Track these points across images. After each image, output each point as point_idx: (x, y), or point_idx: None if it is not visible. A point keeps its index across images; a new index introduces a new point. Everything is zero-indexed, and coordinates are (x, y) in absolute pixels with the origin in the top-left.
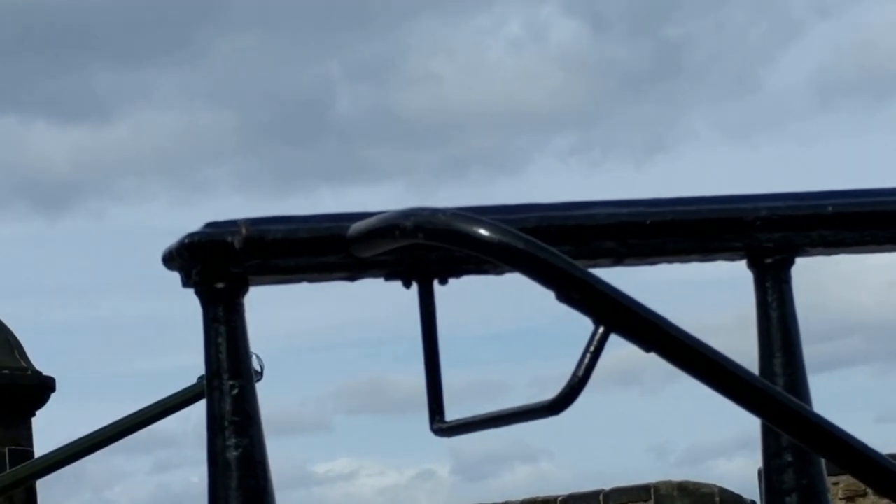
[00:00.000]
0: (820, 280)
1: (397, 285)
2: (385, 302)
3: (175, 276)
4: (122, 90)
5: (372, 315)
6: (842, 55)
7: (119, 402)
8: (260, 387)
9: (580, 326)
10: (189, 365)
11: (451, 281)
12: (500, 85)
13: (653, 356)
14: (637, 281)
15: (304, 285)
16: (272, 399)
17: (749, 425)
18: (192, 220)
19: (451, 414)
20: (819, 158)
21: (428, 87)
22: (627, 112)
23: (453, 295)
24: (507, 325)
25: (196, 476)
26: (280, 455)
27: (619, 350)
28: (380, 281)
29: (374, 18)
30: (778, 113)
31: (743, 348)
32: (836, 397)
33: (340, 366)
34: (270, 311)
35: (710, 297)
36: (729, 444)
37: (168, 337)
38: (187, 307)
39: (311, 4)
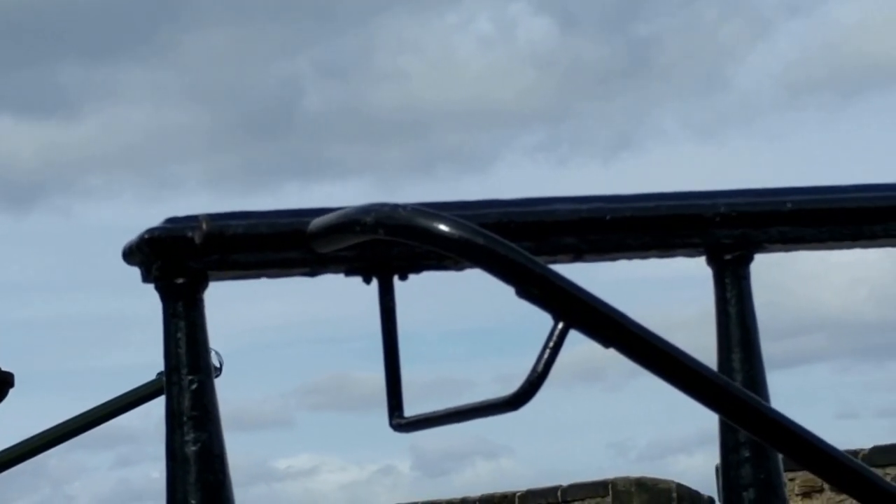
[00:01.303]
0: (783, 278)
1: (359, 281)
2: (349, 298)
3: (136, 272)
4: (91, 86)
5: (336, 312)
6: (810, 53)
7: (79, 399)
8: (223, 383)
9: (544, 322)
10: (151, 361)
11: (415, 278)
12: (469, 82)
13: (614, 352)
14: (603, 279)
15: (269, 282)
16: (234, 395)
17: (710, 421)
18: (158, 217)
19: (415, 411)
20: (786, 155)
21: (396, 83)
22: (596, 109)
23: (418, 292)
24: (471, 322)
25: (157, 472)
26: (241, 451)
27: (583, 346)
28: (343, 277)
29: (343, 15)
30: (746, 110)
31: (706, 344)
32: (797, 393)
33: (303, 362)
34: (235, 307)
35: (675, 294)
36: (689, 441)
37: (129, 333)
38: (149, 303)
39: (279, 1)
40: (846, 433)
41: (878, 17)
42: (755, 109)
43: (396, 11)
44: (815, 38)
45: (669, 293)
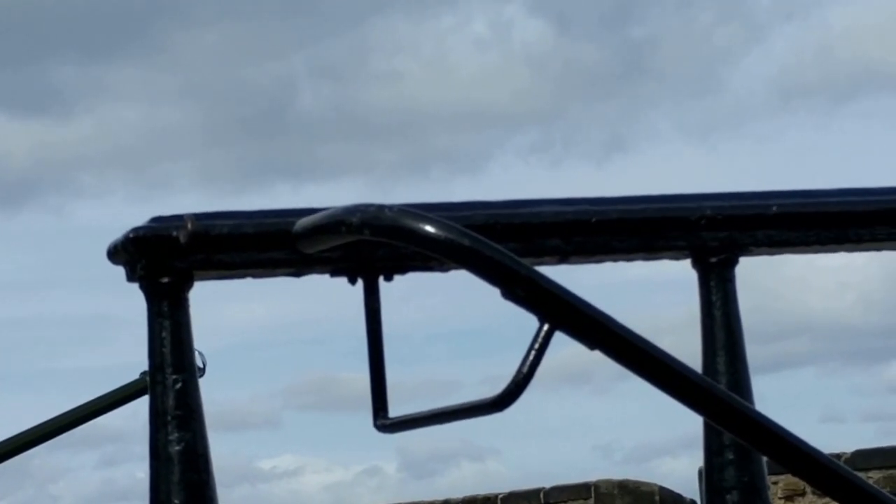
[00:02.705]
0: (770, 281)
1: (345, 282)
2: (337, 298)
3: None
4: (84, 85)
5: (325, 312)
6: (803, 57)
7: (63, 398)
8: (210, 383)
9: (531, 324)
10: (135, 361)
11: (404, 280)
12: (463, 83)
13: (601, 355)
14: (590, 281)
15: (257, 282)
16: (222, 396)
17: (696, 424)
18: (149, 216)
19: (403, 411)
20: (777, 158)
21: (390, 84)
22: (590, 111)
23: (406, 293)
24: (457, 323)
25: (142, 472)
26: (227, 451)
27: (570, 348)
28: (329, 278)
29: (338, 15)
30: (738, 113)
31: (694, 347)
32: (782, 397)
33: (291, 363)
34: (223, 307)
35: (663, 297)
36: (675, 443)
37: (118, 332)
38: (136, 302)
39: (273, 0)
40: (831, 437)
41: (871, 22)
42: (748, 112)
43: (391, 12)
44: (808, 43)
45: (658, 295)
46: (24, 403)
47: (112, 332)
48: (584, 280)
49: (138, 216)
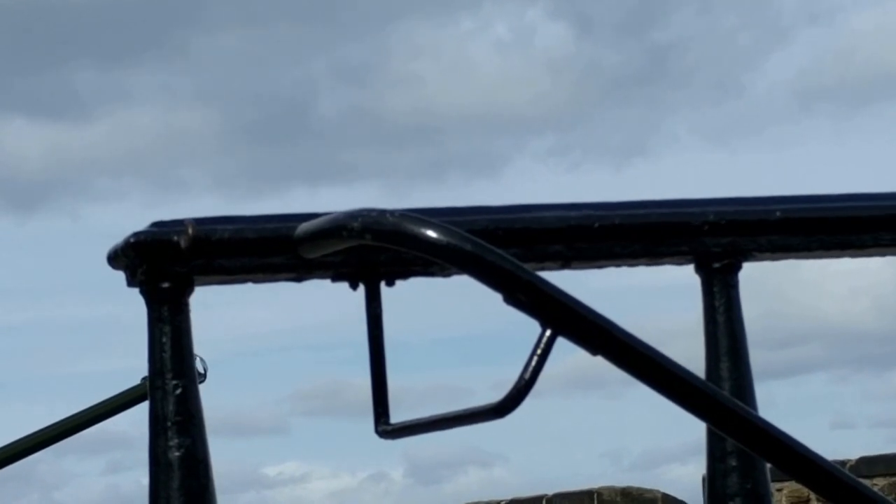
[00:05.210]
0: (782, 286)
1: (347, 287)
2: (345, 303)
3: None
4: (103, 89)
5: (332, 317)
6: (823, 61)
7: (68, 403)
8: (218, 389)
9: (535, 330)
10: (136, 367)
11: (411, 284)
12: (483, 87)
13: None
14: (596, 287)
15: (264, 288)
16: (230, 402)
17: (703, 430)
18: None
19: (413, 417)
20: (795, 163)
21: (410, 88)
22: (610, 115)
23: (416, 298)
24: (459, 329)
25: (147, 478)
26: (234, 457)
27: (581, 354)
28: (330, 283)
29: (359, 19)
30: (758, 118)
31: (698, 353)
32: (793, 403)
33: (299, 368)
34: (236, 312)
35: (668, 303)
36: (684, 449)
37: (127, 337)
38: (137, 308)
39: (293, 4)
40: (841, 443)
41: (892, 25)
42: (766, 117)
43: (412, 16)
44: (829, 46)
45: (662, 301)
46: (42, 407)
47: (125, 336)
48: (587, 285)
49: (154, 220)
